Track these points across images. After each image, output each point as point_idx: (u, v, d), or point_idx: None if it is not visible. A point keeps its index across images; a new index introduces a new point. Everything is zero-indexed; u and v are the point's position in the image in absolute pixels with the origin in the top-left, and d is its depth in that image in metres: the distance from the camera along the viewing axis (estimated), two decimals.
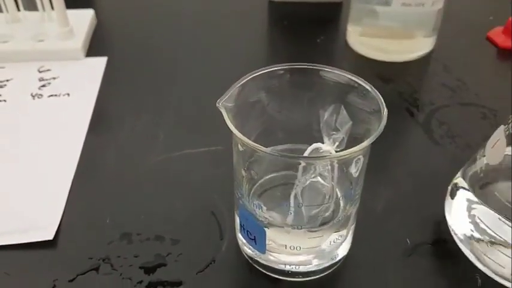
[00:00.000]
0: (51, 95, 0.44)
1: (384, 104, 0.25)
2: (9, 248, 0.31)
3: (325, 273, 0.30)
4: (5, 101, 0.43)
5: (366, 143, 0.24)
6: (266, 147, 0.23)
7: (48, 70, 0.47)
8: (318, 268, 0.29)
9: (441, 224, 0.32)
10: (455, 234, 0.31)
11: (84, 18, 0.52)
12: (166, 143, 0.39)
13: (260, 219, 0.27)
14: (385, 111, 0.24)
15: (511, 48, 0.49)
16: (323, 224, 0.27)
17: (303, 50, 0.49)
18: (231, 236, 0.32)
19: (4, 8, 0.49)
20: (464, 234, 0.30)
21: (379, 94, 0.25)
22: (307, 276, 0.29)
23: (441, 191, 0.33)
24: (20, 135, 0.40)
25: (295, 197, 0.27)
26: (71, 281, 0.30)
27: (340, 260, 0.30)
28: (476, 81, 0.45)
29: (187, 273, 0.30)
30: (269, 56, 0.51)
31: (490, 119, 0.41)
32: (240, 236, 0.30)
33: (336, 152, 0.26)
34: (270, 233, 0.27)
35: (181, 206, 0.34)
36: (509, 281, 0.28)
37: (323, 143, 0.27)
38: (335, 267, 0.30)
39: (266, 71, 0.27)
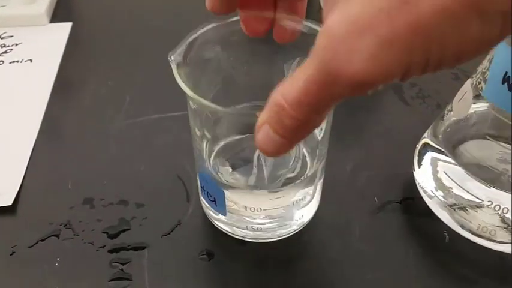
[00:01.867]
0: (13, 61, 0.42)
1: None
2: None
3: (291, 234, 0.29)
4: None
5: None
6: (225, 106, 0.22)
7: (11, 36, 0.45)
8: (282, 229, 0.28)
9: (410, 183, 0.32)
10: (424, 191, 0.30)
11: None
12: (132, 108, 0.38)
13: (220, 180, 0.26)
14: None
15: None
16: (285, 184, 0.26)
17: None
18: (198, 199, 0.31)
19: None
20: (433, 192, 0.30)
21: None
22: (272, 238, 0.29)
23: (411, 150, 0.33)
24: None
25: (258, 158, 0.26)
26: (31, 246, 0.29)
27: (305, 222, 0.29)
28: None
29: (152, 237, 0.29)
30: None
31: (462, 80, 0.40)
32: (202, 198, 0.29)
33: None
34: (230, 194, 0.26)
35: (146, 170, 0.33)
36: (476, 236, 0.28)
37: None
38: (301, 227, 0.29)
39: (222, 22, 0.25)
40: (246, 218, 0.28)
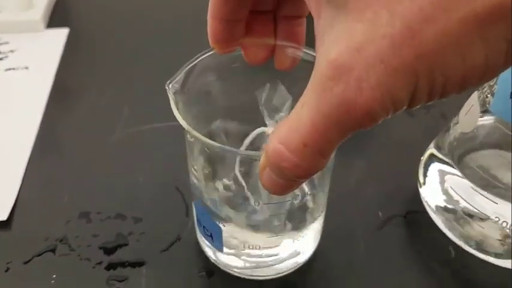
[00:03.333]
0: (9, 69, 0.41)
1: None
2: None
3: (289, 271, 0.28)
4: None
5: None
6: (226, 136, 0.21)
7: (6, 43, 0.44)
8: (282, 265, 0.27)
9: (414, 196, 0.31)
10: (429, 205, 0.30)
11: None
12: (129, 118, 0.37)
13: (216, 215, 0.25)
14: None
15: None
16: (285, 223, 0.25)
17: None
18: None
19: None
20: (438, 205, 0.29)
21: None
22: (270, 275, 0.27)
23: (415, 162, 0.32)
24: None
25: (252, 194, 0.25)
26: (26, 262, 0.28)
27: (306, 258, 0.28)
28: None
29: (150, 253, 0.29)
30: None
31: (466, 90, 0.40)
32: (197, 231, 0.28)
33: None
34: (226, 229, 0.25)
35: (144, 182, 0.33)
36: (481, 252, 0.28)
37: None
38: (302, 263, 0.28)
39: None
40: (244, 254, 0.26)
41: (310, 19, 0.18)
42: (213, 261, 0.28)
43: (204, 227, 0.26)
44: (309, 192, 0.25)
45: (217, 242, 0.26)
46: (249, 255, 0.26)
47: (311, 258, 0.28)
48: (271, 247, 0.26)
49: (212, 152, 0.24)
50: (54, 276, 0.27)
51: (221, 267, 0.28)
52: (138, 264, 0.28)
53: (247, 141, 0.24)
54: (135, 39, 0.45)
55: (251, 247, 0.25)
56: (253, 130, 0.25)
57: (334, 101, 0.14)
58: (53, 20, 0.47)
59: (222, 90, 0.25)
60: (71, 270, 0.28)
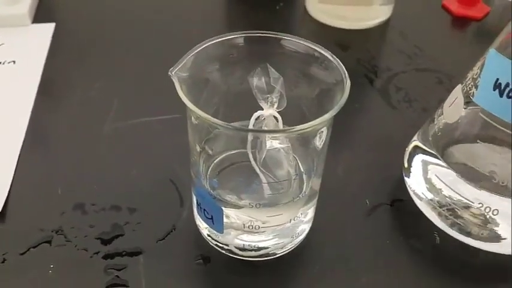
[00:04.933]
0: None
1: (346, 74, 0.24)
2: None
3: (287, 250, 0.29)
4: None
5: (327, 115, 0.22)
6: (225, 121, 0.22)
7: None
8: (278, 247, 0.28)
9: (400, 185, 0.32)
10: (415, 194, 0.31)
11: None
12: (120, 111, 0.38)
13: (217, 197, 0.26)
14: (347, 83, 0.23)
15: (464, 16, 0.50)
16: (284, 201, 0.26)
17: (262, 17, 0.48)
18: (191, 203, 0.31)
19: None
20: (423, 194, 0.31)
21: (341, 64, 0.24)
22: (266, 256, 0.28)
23: (399, 153, 0.34)
24: None
25: (256, 174, 0.26)
26: (22, 254, 0.28)
27: (301, 239, 0.29)
28: (431, 48, 0.46)
29: (147, 242, 0.29)
30: (226, 23, 0.50)
31: (446, 84, 0.41)
32: (197, 216, 0.29)
33: (278, 112, 0.25)
34: (227, 211, 0.26)
35: (137, 174, 0.33)
36: (464, 235, 0.29)
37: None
38: (297, 244, 0.29)
39: (222, 39, 0.25)
40: (243, 236, 0.27)
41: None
42: (212, 245, 0.29)
43: (204, 210, 0.27)
44: (304, 173, 0.27)
45: (218, 224, 0.26)
46: (249, 235, 0.27)
47: (300, 245, 0.29)
48: (271, 226, 0.26)
49: (219, 135, 0.25)
50: (51, 266, 0.28)
51: (220, 250, 0.28)
52: (135, 253, 0.29)
53: (249, 126, 0.25)
54: (122, 33, 0.46)
55: (251, 227, 0.26)
56: (251, 114, 0.26)
57: None
58: (39, 15, 0.47)
59: (220, 77, 0.26)
60: (69, 260, 0.28)
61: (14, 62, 0.41)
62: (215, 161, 0.29)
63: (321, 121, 0.22)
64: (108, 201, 0.31)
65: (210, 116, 0.22)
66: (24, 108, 0.37)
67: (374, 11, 0.48)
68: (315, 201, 0.28)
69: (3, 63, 0.41)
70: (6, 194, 0.31)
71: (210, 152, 0.28)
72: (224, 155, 0.29)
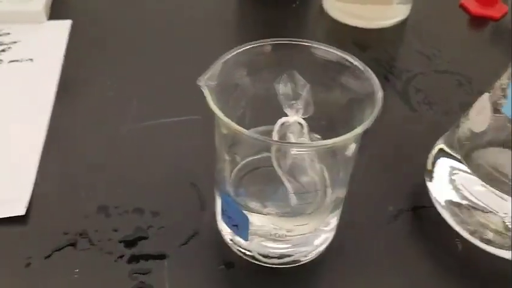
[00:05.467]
0: (12, 61, 0.41)
1: (379, 86, 0.23)
2: None
3: (310, 258, 0.29)
4: None
5: (359, 130, 0.22)
6: (251, 127, 0.22)
7: (8, 34, 0.44)
8: (301, 255, 0.28)
9: (421, 191, 0.32)
10: (437, 200, 0.31)
11: None
12: (140, 111, 0.37)
13: (242, 204, 0.26)
14: (380, 94, 0.23)
15: (483, 16, 0.49)
16: (310, 211, 0.26)
17: (277, 16, 0.48)
18: (212, 207, 0.31)
19: None
20: (446, 200, 0.31)
21: (373, 75, 0.24)
22: (290, 264, 0.28)
23: (420, 157, 0.33)
24: None
25: (282, 182, 0.25)
26: (47, 257, 0.28)
27: (325, 247, 0.29)
28: (450, 48, 0.45)
29: (170, 246, 0.29)
30: (241, 22, 0.49)
31: (465, 86, 0.41)
32: (221, 221, 0.29)
33: (303, 118, 0.25)
34: (252, 219, 0.26)
35: (159, 177, 0.33)
36: (487, 244, 0.29)
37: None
38: (320, 253, 0.29)
39: (250, 46, 0.25)
40: (267, 243, 0.27)
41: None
42: (235, 250, 0.29)
43: (229, 217, 0.27)
44: (331, 183, 0.27)
45: (243, 231, 0.26)
46: (274, 243, 0.27)
47: (324, 252, 0.29)
48: (296, 235, 0.26)
49: (246, 143, 0.25)
50: (76, 270, 0.28)
51: (243, 256, 0.28)
52: (160, 257, 0.29)
53: (274, 132, 0.25)
54: (139, 31, 0.45)
55: (277, 235, 0.26)
56: (277, 119, 0.25)
57: None
58: (54, 11, 0.46)
59: (248, 83, 0.26)
60: (94, 264, 0.28)
61: (31, 59, 0.41)
62: (239, 166, 0.29)
63: (351, 136, 0.22)
64: (130, 204, 0.31)
65: (239, 127, 0.22)
66: (44, 107, 0.37)
67: (392, 10, 0.48)
68: (339, 210, 0.28)
69: (21, 61, 0.41)
70: (29, 197, 0.31)
71: (237, 158, 0.28)
72: (248, 160, 0.29)
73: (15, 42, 0.43)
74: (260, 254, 0.28)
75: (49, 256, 0.28)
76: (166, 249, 0.29)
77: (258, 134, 0.22)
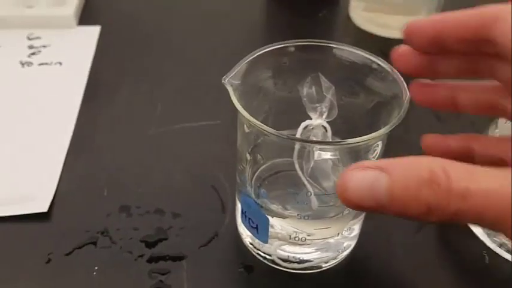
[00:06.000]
0: (42, 63, 0.42)
1: (406, 87, 0.23)
2: (1, 219, 0.30)
3: (331, 264, 0.28)
4: None
5: (383, 130, 0.22)
6: (275, 129, 0.22)
7: (38, 38, 0.45)
8: (322, 260, 0.28)
9: None
10: None
11: None
12: (164, 115, 0.38)
13: (263, 206, 0.26)
14: (407, 96, 0.23)
15: None
16: (331, 214, 0.26)
17: (305, 24, 0.48)
18: (233, 210, 0.31)
19: None
20: None
21: (400, 77, 0.24)
22: (310, 269, 0.28)
23: None
24: (11, 103, 0.38)
25: (304, 185, 0.25)
26: (68, 254, 0.29)
27: (347, 254, 0.29)
28: None
29: (190, 248, 0.29)
30: (268, 31, 0.49)
31: None
32: (241, 224, 0.28)
33: (327, 122, 0.25)
34: (273, 221, 0.26)
35: (180, 179, 0.33)
36: None
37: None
38: (342, 259, 0.29)
39: (275, 47, 0.25)
40: (287, 247, 0.27)
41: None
42: (255, 254, 0.28)
43: (249, 219, 0.26)
44: None
45: (263, 233, 0.26)
46: (294, 247, 0.27)
47: (347, 259, 0.29)
48: (317, 239, 0.26)
49: (269, 143, 0.24)
50: (96, 268, 0.28)
51: (262, 259, 0.28)
52: (179, 258, 0.28)
53: (297, 135, 0.25)
54: (166, 38, 0.46)
55: (297, 239, 0.26)
56: (300, 123, 0.25)
57: None
58: (83, 17, 0.48)
59: (271, 86, 0.26)
60: (113, 262, 0.28)
61: (60, 63, 0.42)
62: (261, 168, 0.29)
63: (375, 135, 0.22)
64: (152, 205, 0.31)
65: (262, 124, 0.22)
66: (71, 109, 0.37)
67: None
68: (362, 216, 0.28)
69: (50, 64, 0.42)
70: (53, 194, 0.31)
71: (260, 159, 0.27)
72: (271, 162, 0.29)
73: (45, 46, 0.44)
74: (280, 258, 0.28)
75: (70, 253, 0.29)
76: (185, 250, 0.29)
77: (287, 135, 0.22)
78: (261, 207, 0.26)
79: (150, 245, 0.29)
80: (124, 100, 0.39)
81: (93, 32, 0.46)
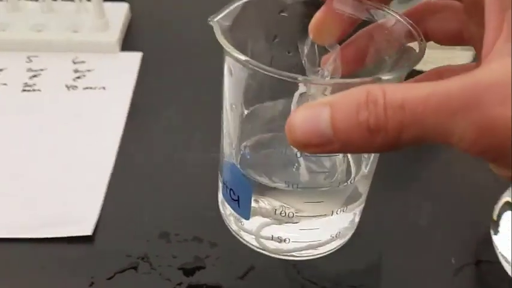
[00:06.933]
0: (87, 88, 0.43)
1: (419, 31, 0.21)
2: (46, 241, 0.31)
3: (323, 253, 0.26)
4: (39, 90, 0.43)
5: (405, 69, 0.19)
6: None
7: (83, 62, 0.47)
8: (313, 245, 0.25)
9: (487, 243, 0.31)
10: (502, 256, 0.30)
11: (119, 11, 0.51)
12: (203, 141, 0.39)
13: (247, 176, 0.23)
14: (423, 42, 0.20)
15: None
16: (324, 187, 0.23)
17: None
18: None
19: None
20: (511, 256, 0.29)
21: (410, 21, 0.21)
22: (300, 257, 0.26)
23: (484, 205, 0.33)
24: (56, 127, 0.39)
25: (294, 163, 0.23)
26: (109, 278, 0.29)
27: (344, 241, 0.26)
28: None
29: (227, 278, 0.30)
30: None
31: None
32: (222, 200, 0.26)
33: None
34: (257, 193, 0.23)
35: (218, 208, 0.34)
36: None
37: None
38: (338, 247, 0.26)
39: None
40: (273, 226, 0.24)
41: None
42: (234, 233, 0.27)
43: (231, 190, 0.24)
44: (352, 161, 0.24)
45: (244, 207, 0.23)
46: (279, 225, 0.24)
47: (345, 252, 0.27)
48: (305, 216, 0.23)
49: (259, 87, 0.22)
50: None
51: (242, 240, 0.26)
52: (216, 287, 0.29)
53: (293, 103, 0.21)
54: (205, 63, 0.47)
55: (283, 214, 0.23)
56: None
57: (473, 92, 0.15)
58: (126, 43, 0.49)
59: (265, 44, 0.24)
60: None
61: (104, 87, 0.44)
62: (249, 140, 0.26)
63: (395, 75, 0.19)
64: (190, 233, 0.32)
65: (259, 63, 0.19)
66: (114, 132, 0.39)
67: (455, 56, 0.48)
68: (359, 204, 0.25)
69: (94, 88, 0.43)
70: (97, 218, 0.32)
71: (246, 112, 0.24)
72: (259, 136, 0.26)
73: (89, 71, 0.45)
74: (263, 238, 0.25)
75: (112, 277, 0.29)
76: (222, 280, 0.29)
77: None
78: (244, 176, 0.23)
79: (188, 273, 0.30)
80: (165, 126, 0.40)
81: (135, 57, 0.47)
